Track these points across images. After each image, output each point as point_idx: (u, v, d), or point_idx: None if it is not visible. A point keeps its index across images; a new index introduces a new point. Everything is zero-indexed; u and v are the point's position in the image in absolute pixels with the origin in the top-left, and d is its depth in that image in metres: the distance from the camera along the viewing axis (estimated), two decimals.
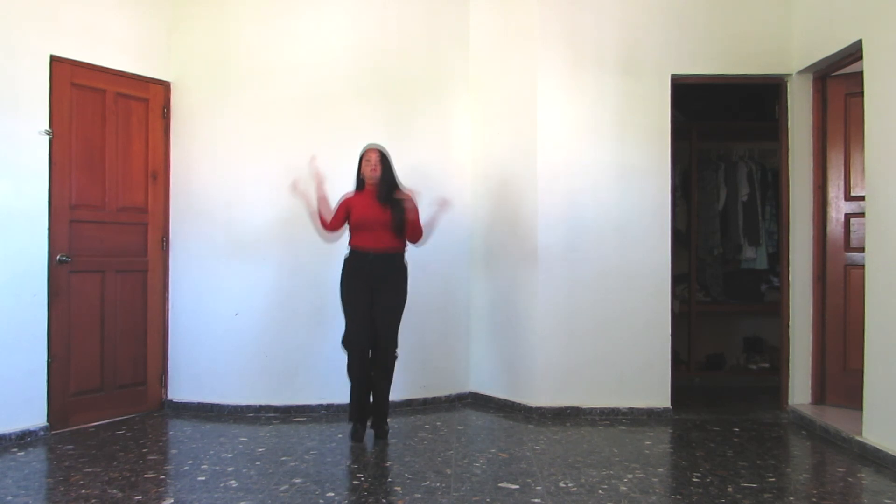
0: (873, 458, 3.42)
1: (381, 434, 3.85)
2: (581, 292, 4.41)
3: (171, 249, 4.55)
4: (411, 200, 3.81)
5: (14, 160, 3.75)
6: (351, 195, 3.89)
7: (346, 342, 3.81)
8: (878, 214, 3.55)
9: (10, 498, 2.89)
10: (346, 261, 3.85)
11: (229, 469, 3.30)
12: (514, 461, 3.44)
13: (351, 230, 3.85)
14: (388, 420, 3.94)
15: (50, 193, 3.90)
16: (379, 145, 3.88)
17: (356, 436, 3.82)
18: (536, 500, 2.89)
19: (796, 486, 3.17)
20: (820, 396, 4.35)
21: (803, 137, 4.41)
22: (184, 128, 4.55)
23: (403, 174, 4.62)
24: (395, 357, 3.86)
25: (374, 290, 3.79)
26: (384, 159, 3.82)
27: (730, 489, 3.02)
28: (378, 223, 3.76)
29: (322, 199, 3.84)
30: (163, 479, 3.21)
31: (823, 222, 4.34)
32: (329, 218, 3.84)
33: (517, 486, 3.06)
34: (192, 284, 4.53)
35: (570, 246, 4.41)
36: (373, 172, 3.79)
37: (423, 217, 3.89)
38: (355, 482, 3.16)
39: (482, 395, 4.76)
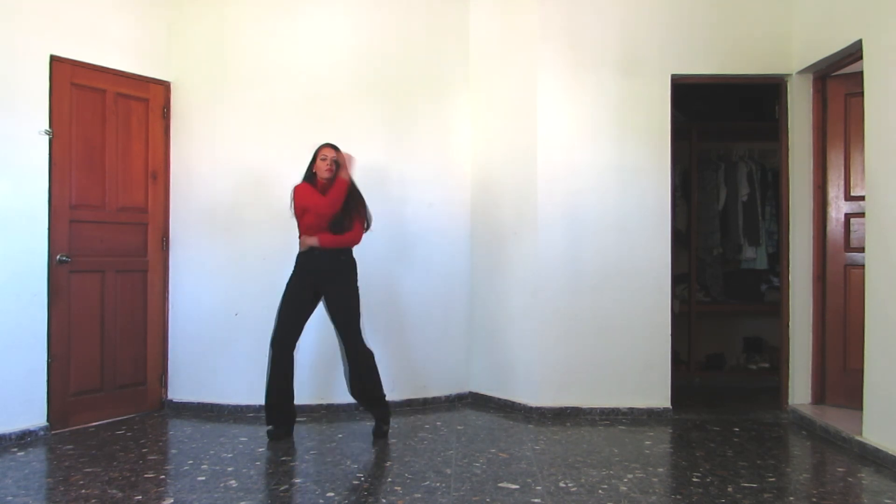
0: (873, 458, 3.42)
1: (379, 434, 3.86)
2: (581, 292, 4.41)
3: (171, 249, 4.55)
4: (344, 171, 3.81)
5: (14, 160, 3.75)
6: (300, 190, 3.83)
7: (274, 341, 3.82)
8: (877, 214, 3.55)
9: (10, 498, 2.89)
10: (296, 259, 3.88)
11: (229, 469, 3.30)
12: (514, 461, 3.44)
13: (298, 223, 3.86)
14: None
15: (50, 193, 3.90)
16: (335, 145, 3.89)
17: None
18: (536, 500, 2.89)
19: (796, 486, 3.17)
20: (820, 396, 4.35)
21: (803, 137, 4.41)
22: (184, 128, 4.55)
23: (403, 174, 4.64)
24: (370, 354, 3.84)
25: (321, 290, 3.82)
26: (337, 161, 3.83)
27: (730, 489, 3.02)
28: (318, 217, 3.78)
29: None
30: (163, 479, 3.21)
31: (823, 222, 4.34)
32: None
33: (517, 486, 3.06)
34: (192, 284, 4.53)
35: (569, 246, 4.41)
36: (327, 172, 3.80)
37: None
38: (355, 482, 3.16)
39: (482, 395, 4.76)
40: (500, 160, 4.68)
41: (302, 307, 3.84)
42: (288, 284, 3.86)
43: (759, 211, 5.43)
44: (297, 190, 3.84)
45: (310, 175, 3.88)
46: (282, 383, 3.80)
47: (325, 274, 3.82)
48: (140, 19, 4.37)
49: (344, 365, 3.86)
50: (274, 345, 3.80)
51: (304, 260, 3.85)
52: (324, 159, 3.82)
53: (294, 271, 3.88)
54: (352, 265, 3.88)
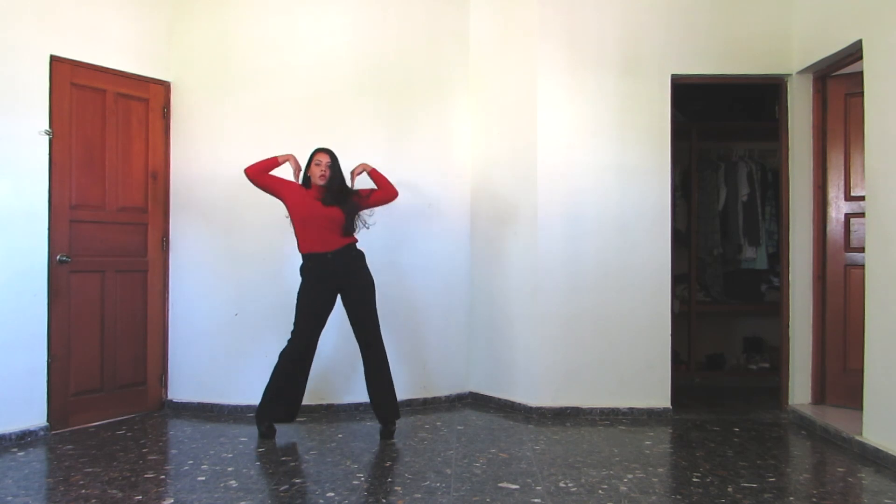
0: (873, 458, 3.42)
1: (388, 434, 3.86)
2: (581, 292, 4.41)
3: (171, 249, 4.55)
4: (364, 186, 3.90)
5: (14, 160, 3.75)
6: (293, 185, 3.89)
7: (292, 344, 3.80)
8: (878, 214, 3.55)
9: (10, 498, 2.89)
10: (306, 268, 3.85)
11: (229, 469, 3.30)
12: (514, 461, 3.44)
13: (297, 231, 3.84)
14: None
15: (50, 193, 3.90)
16: (329, 149, 3.91)
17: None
18: (536, 500, 2.89)
19: (796, 486, 3.17)
20: (820, 396, 4.35)
21: (803, 137, 4.42)
22: (184, 128, 4.55)
23: (403, 174, 4.64)
24: (385, 352, 3.86)
25: (341, 291, 3.83)
26: (334, 163, 3.85)
27: (730, 489, 3.02)
28: (323, 222, 3.77)
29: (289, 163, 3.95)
30: (163, 479, 3.21)
31: (823, 222, 4.34)
32: (267, 174, 3.88)
33: (517, 486, 3.06)
34: (192, 284, 4.53)
35: (569, 245, 4.41)
36: (321, 179, 3.81)
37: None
38: (355, 482, 3.16)
39: (482, 395, 4.76)
40: (500, 160, 4.68)
41: (322, 315, 3.84)
42: (302, 295, 3.83)
43: (759, 211, 5.43)
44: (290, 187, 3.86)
45: (306, 179, 3.89)
46: (291, 391, 3.85)
47: (342, 273, 3.82)
48: (140, 19, 4.37)
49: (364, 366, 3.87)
50: (288, 357, 3.79)
51: (316, 266, 3.82)
52: (318, 164, 3.83)
53: (306, 280, 3.84)
54: (363, 256, 3.91)
